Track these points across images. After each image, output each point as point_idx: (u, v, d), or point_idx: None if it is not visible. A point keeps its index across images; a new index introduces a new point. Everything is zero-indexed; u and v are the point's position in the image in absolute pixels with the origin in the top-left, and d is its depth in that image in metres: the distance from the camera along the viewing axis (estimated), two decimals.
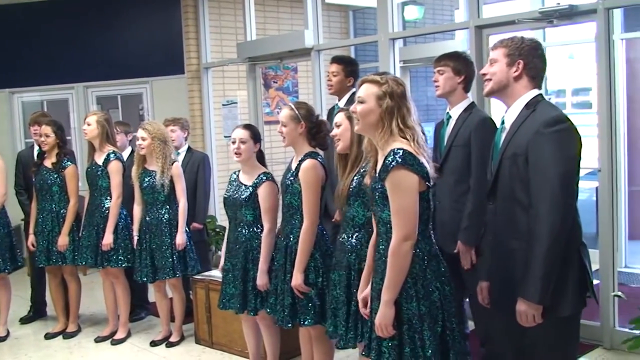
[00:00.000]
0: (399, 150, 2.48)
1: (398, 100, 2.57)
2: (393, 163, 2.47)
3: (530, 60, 2.67)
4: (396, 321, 2.53)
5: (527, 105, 2.66)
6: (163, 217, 4.72)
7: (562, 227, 2.48)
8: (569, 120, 2.57)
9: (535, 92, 2.70)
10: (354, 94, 4.59)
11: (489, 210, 2.82)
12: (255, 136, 3.91)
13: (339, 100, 4.68)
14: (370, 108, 2.59)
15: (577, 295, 2.58)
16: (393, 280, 2.52)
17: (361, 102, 2.63)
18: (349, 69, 4.63)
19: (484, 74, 2.77)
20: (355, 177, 3.18)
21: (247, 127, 3.98)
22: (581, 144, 2.58)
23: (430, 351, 2.50)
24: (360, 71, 4.63)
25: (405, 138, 2.54)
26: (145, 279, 4.81)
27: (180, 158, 5.40)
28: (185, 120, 5.65)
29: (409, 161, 2.47)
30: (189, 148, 5.57)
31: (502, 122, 2.77)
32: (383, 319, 2.53)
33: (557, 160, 2.48)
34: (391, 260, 2.51)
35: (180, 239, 4.69)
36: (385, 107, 2.56)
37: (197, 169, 5.42)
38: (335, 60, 4.73)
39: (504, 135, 2.73)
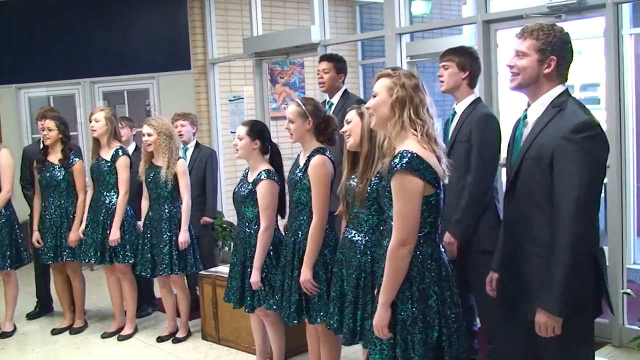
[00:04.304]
0: (406, 154, 2.43)
1: (410, 91, 2.52)
2: (397, 167, 2.42)
3: (563, 56, 2.50)
4: (392, 322, 2.52)
5: (552, 103, 2.51)
6: (164, 213, 4.71)
7: (587, 238, 2.39)
8: (599, 125, 2.42)
9: (561, 88, 2.53)
10: (345, 91, 4.66)
11: (505, 209, 2.74)
12: (254, 133, 3.85)
13: (330, 98, 4.69)
14: (382, 99, 2.56)
15: (593, 304, 2.53)
16: (390, 283, 2.49)
17: (374, 95, 2.61)
18: (339, 65, 4.65)
19: (511, 67, 2.56)
20: (375, 179, 3.11)
21: (246, 123, 3.95)
22: (608, 150, 2.47)
23: (417, 357, 2.47)
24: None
25: (415, 130, 2.49)
26: (144, 273, 4.82)
27: (189, 153, 5.44)
28: (194, 115, 5.69)
29: (414, 166, 2.41)
30: (197, 143, 5.59)
31: (525, 117, 2.62)
32: (379, 321, 2.53)
33: (585, 168, 2.35)
34: (388, 263, 2.49)
35: (183, 237, 4.67)
36: (396, 97, 2.52)
37: (205, 164, 5.46)
38: (325, 58, 4.77)
39: (526, 132, 2.59)
